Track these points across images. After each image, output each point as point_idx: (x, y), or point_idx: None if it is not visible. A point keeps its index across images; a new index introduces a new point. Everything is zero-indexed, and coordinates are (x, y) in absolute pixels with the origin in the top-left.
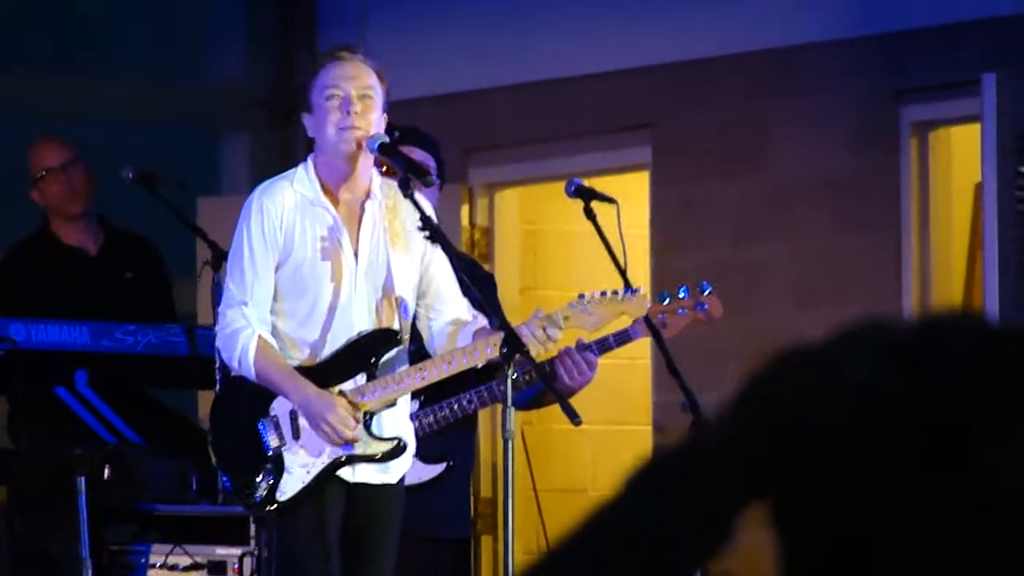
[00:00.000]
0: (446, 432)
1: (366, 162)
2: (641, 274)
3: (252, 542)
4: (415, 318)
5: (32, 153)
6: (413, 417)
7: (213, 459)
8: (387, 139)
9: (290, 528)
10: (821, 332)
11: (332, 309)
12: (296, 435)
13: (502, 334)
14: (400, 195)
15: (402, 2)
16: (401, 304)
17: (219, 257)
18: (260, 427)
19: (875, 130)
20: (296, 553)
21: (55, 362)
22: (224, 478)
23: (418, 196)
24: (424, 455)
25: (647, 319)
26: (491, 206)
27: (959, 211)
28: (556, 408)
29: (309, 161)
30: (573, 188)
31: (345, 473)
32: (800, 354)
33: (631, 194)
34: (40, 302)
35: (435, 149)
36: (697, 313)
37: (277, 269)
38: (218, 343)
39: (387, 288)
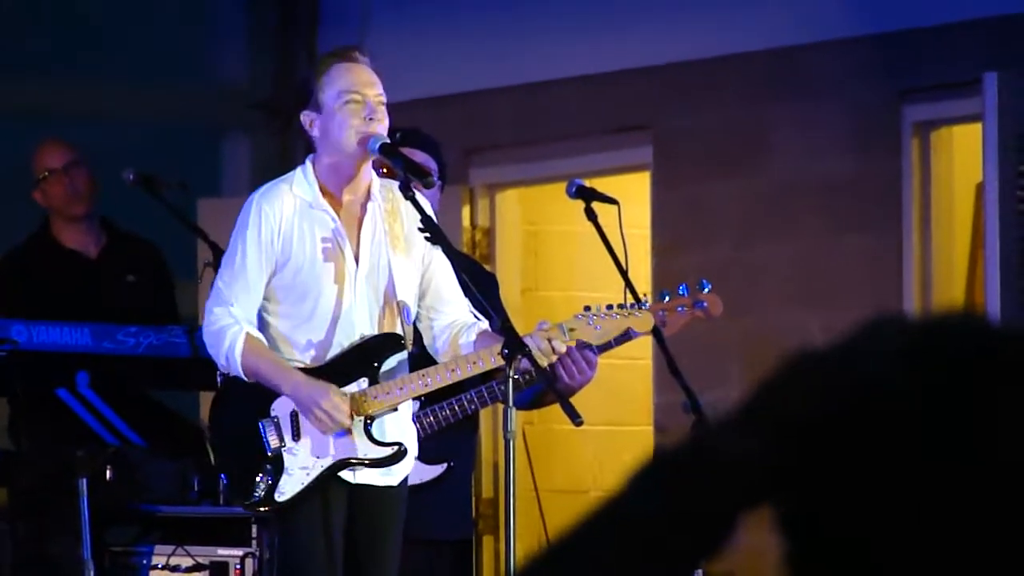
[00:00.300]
0: (447, 432)
1: (367, 164)
2: (642, 275)
3: (254, 543)
4: (416, 318)
5: (35, 154)
6: (414, 418)
7: (212, 458)
8: (388, 140)
9: (292, 530)
10: (822, 332)
11: (333, 313)
12: (296, 436)
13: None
14: (399, 197)
15: (403, 4)
16: (404, 309)
17: (220, 259)
18: (260, 427)
19: (876, 130)
20: (299, 555)
21: (56, 364)
22: (222, 476)
23: (419, 197)
24: (425, 456)
25: None
26: (492, 207)
27: (960, 211)
28: (557, 408)
29: (308, 163)
30: (574, 189)
31: (347, 475)
32: (810, 357)
33: (632, 195)
34: (41, 304)
35: (436, 150)
36: (696, 311)
37: (276, 273)
38: (204, 339)
39: (389, 293)
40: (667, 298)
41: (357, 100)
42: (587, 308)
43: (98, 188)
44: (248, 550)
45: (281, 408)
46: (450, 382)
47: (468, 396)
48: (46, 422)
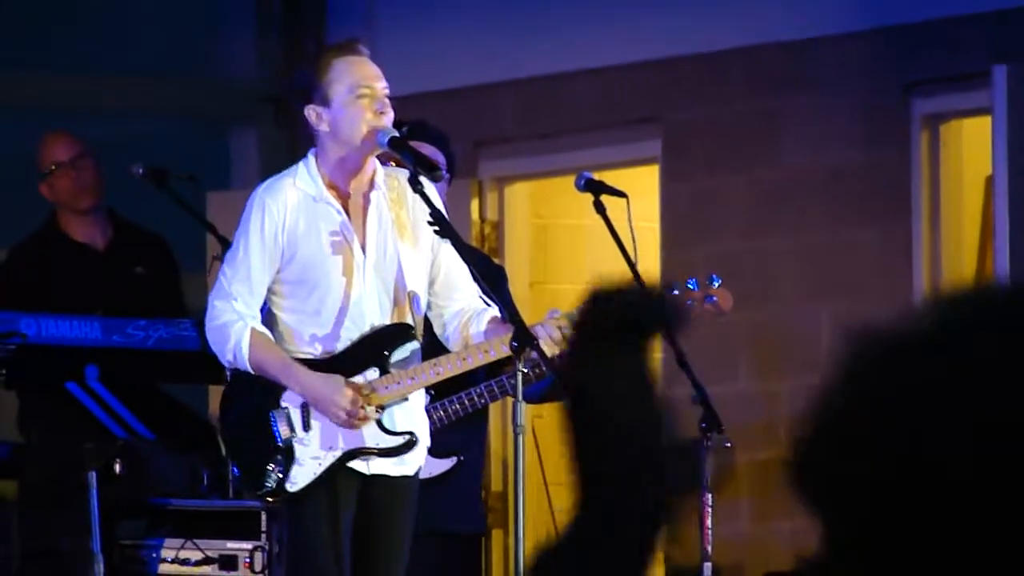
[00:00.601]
0: (457, 426)
1: (373, 156)
2: (651, 267)
3: (263, 536)
4: (427, 307)
5: (41, 147)
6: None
7: (223, 448)
8: (397, 134)
9: (302, 519)
10: (830, 325)
11: (343, 304)
12: (307, 427)
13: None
14: (403, 185)
15: None
16: (414, 299)
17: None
18: (271, 417)
19: (885, 123)
20: (308, 544)
21: (66, 357)
22: (233, 467)
23: (428, 190)
24: (435, 450)
25: None
26: (501, 200)
27: (970, 204)
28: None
29: (311, 156)
30: (583, 182)
31: (360, 466)
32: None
33: (641, 188)
34: (49, 297)
35: (444, 144)
36: (707, 305)
37: (282, 268)
38: (208, 334)
39: (398, 283)
40: (676, 291)
41: (368, 94)
42: None
43: (104, 181)
44: (257, 543)
45: (291, 398)
46: (461, 371)
47: (478, 390)
48: (55, 416)
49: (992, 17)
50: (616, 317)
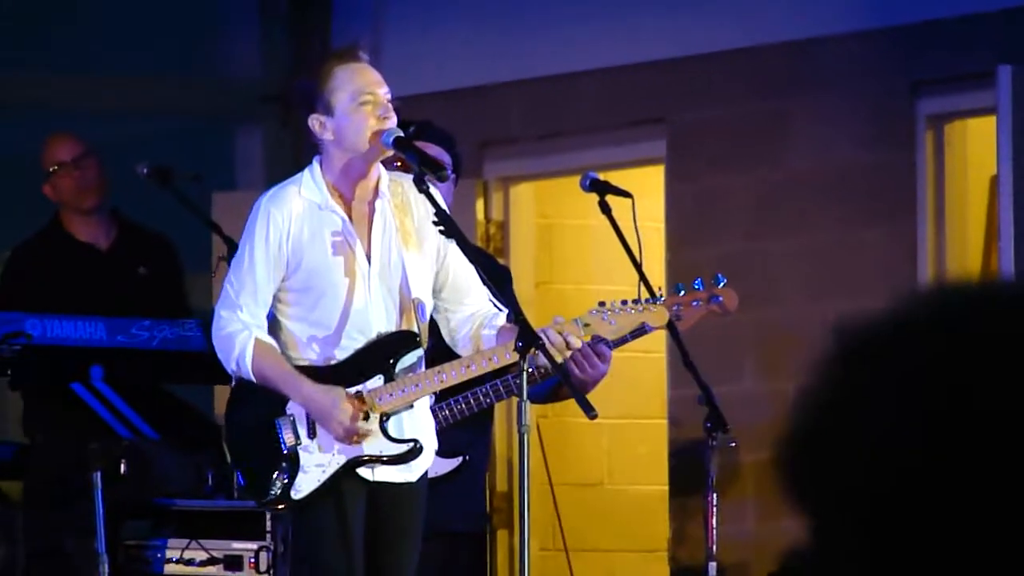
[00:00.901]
0: (462, 426)
1: (377, 163)
2: (656, 268)
3: (268, 536)
4: (433, 310)
5: (44, 148)
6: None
7: (228, 456)
8: (402, 133)
9: (311, 527)
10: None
11: (348, 312)
12: (312, 434)
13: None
14: (408, 191)
15: None
16: (418, 306)
17: (235, 252)
18: (276, 425)
19: (890, 123)
20: (318, 553)
21: (71, 357)
22: (238, 475)
23: (433, 191)
24: (440, 449)
25: None
26: (506, 200)
27: (975, 204)
28: (571, 402)
29: (315, 164)
30: (588, 182)
31: (365, 472)
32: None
33: (646, 188)
34: (52, 297)
35: (450, 144)
36: (712, 305)
37: (288, 277)
38: (214, 343)
39: (403, 290)
40: (682, 292)
41: (370, 101)
42: (602, 303)
43: (108, 181)
44: (262, 543)
45: (297, 406)
46: (465, 378)
47: (483, 390)
48: (60, 416)
49: (998, 17)
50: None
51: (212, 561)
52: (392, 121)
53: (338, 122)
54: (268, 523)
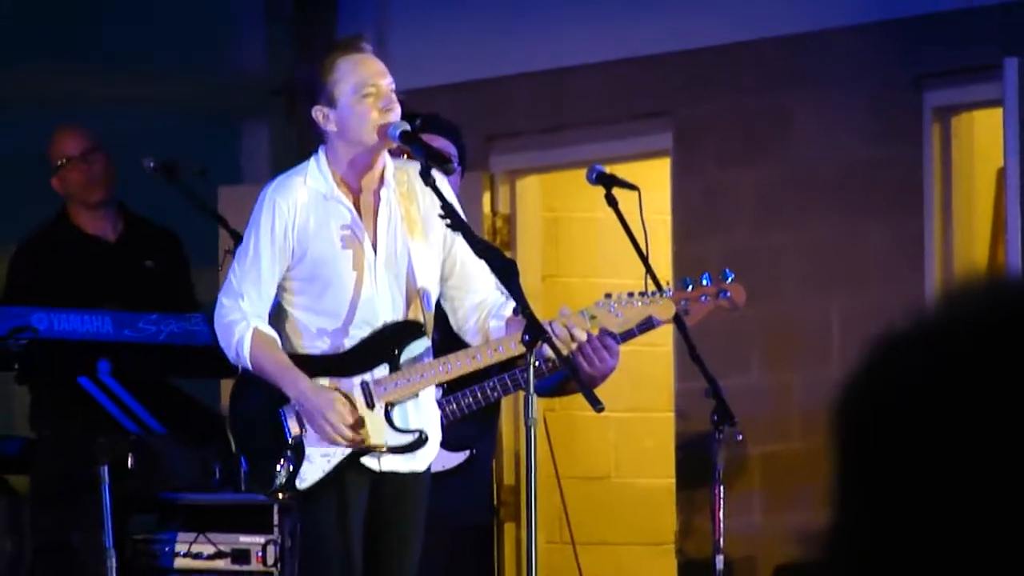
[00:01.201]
0: (469, 420)
1: (383, 153)
2: (662, 261)
3: (275, 530)
4: (441, 299)
5: (52, 142)
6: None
7: (232, 444)
8: (408, 127)
9: (313, 516)
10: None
11: (354, 301)
12: None
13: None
14: (413, 179)
15: None
16: (424, 296)
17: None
18: (281, 414)
19: (896, 116)
20: (319, 541)
21: (78, 352)
22: (242, 463)
23: (440, 183)
24: (447, 443)
25: None
26: (512, 193)
27: (981, 196)
28: (578, 395)
29: (320, 154)
30: (594, 175)
31: (371, 462)
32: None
33: (652, 181)
34: (59, 290)
35: (456, 135)
36: (720, 301)
37: (293, 266)
38: (216, 330)
39: (409, 279)
40: (690, 286)
41: (373, 92)
42: (608, 295)
43: (116, 175)
44: (270, 537)
45: None
46: (471, 369)
47: (491, 383)
48: (67, 410)
49: (1002, 9)
50: None
51: (219, 555)
52: (396, 112)
53: (341, 114)
54: (275, 517)
